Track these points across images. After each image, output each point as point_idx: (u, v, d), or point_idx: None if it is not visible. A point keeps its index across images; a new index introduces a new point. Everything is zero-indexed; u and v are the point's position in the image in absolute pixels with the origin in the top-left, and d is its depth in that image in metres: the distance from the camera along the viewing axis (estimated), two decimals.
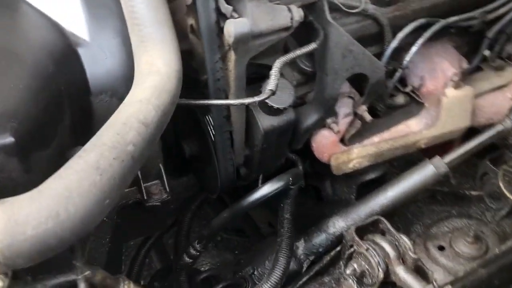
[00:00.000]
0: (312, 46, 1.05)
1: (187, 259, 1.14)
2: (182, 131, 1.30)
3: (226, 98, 1.09)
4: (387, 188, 1.35)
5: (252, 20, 0.94)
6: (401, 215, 1.56)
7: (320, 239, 1.38)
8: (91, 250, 0.91)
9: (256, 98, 0.94)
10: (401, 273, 1.21)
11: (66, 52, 0.85)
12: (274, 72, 0.97)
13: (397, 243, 1.26)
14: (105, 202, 0.62)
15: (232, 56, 1.00)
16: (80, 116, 0.86)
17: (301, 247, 1.40)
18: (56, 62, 0.79)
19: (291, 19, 0.98)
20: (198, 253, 1.14)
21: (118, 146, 0.66)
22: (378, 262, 1.21)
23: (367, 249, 1.23)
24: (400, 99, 1.43)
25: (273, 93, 0.95)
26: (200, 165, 1.34)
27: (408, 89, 1.40)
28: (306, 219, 1.78)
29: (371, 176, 1.56)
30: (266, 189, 1.11)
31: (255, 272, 1.39)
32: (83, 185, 0.60)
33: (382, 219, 1.28)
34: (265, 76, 1.02)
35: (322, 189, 1.67)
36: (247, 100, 0.94)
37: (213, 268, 1.44)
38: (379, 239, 1.25)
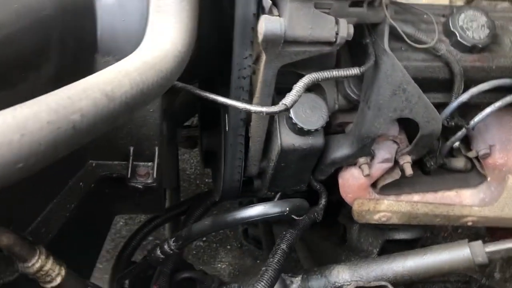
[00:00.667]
0: (354, 71, 0.91)
1: (159, 253, 1.06)
2: (206, 121, 1.22)
3: (250, 101, 0.98)
4: (408, 256, 1.16)
5: (289, 23, 0.82)
6: None
7: (318, 283, 1.23)
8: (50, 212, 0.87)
9: (264, 109, 0.83)
10: None
11: (79, 2, 0.79)
12: (297, 87, 0.85)
13: None
14: (17, 165, 0.55)
15: (263, 57, 0.90)
16: (75, 71, 0.81)
17: (295, 284, 1.26)
18: (58, 8, 0.73)
19: (336, 34, 0.85)
20: (171, 251, 1.05)
21: (61, 111, 0.59)
22: None
23: None
24: (458, 162, 1.22)
25: (286, 108, 0.82)
26: (214, 162, 1.25)
27: (471, 155, 1.19)
28: (322, 255, 1.64)
29: (402, 236, 1.37)
30: (255, 211, 0.99)
31: None
32: None
33: (390, 286, 1.11)
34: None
35: (348, 231, 1.51)
36: (251, 107, 0.83)
37: (201, 271, 1.35)
38: None
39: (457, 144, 1.18)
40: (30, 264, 0.67)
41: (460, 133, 1.12)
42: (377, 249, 1.41)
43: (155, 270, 1.32)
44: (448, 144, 1.15)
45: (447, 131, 1.13)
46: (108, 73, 0.68)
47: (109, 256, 2.39)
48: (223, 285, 1.31)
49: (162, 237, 2.19)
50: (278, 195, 1.28)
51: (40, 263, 0.68)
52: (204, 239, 2.55)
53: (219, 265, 2.48)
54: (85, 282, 0.82)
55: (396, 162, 1.14)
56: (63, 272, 0.73)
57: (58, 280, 0.72)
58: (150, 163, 0.98)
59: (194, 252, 2.50)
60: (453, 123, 1.09)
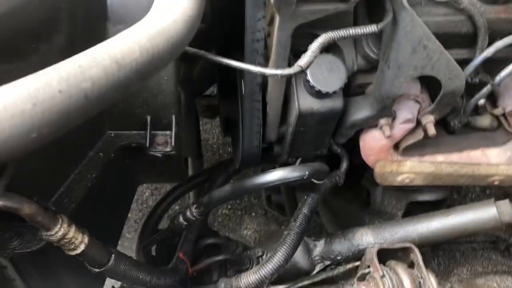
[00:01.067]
0: (371, 28, 0.87)
1: (181, 220, 1.07)
2: (224, 89, 1.21)
3: (266, 65, 0.96)
4: (433, 217, 1.15)
5: None
6: (448, 251, 1.34)
7: (341, 246, 1.24)
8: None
9: (279, 71, 0.81)
10: None
11: None
12: (312, 47, 0.82)
13: (421, 282, 1.08)
14: (31, 135, 0.55)
15: (277, 18, 0.87)
16: (86, 41, 0.80)
17: (319, 247, 1.27)
18: None
19: None
20: (193, 218, 1.06)
21: (71, 80, 0.59)
22: None
23: (382, 276, 1.07)
24: (484, 120, 1.18)
25: (302, 70, 0.80)
26: (234, 130, 1.24)
27: (498, 112, 1.15)
28: (346, 219, 1.63)
29: (426, 197, 1.35)
30: (274, 176, 0.98)
31: (264, 256, 1.29)
32: (8, 110, 0.53)
33: (414, 248, 1.10)
34: None
35: (371, 194, 1.50)
36: (265, 70, 0.81)
37: (225, 237, 1.37)
38: (401, 270, 1.07)
39: (482, 101, 1.13)
40: (53, 233, 0.69)
41: (485, 90, 1.08)
42: (401, 212, 1.39)
43: (181, 237, 1.34)
44: (472, 102, 1.11)
45: (472, 88, 1.09)
46: (117, 41, 0.67)
47: (137, 226, 2.45)
48: (247, 250, 1.33)
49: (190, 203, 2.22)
50: (298, 161, 1.27)
51: (62, 231, 0.69)
52: (229, 207, 2.58)
53: (244, 231, 2.51)
54: (109, 249, 0.84)
55: (418, 122, 1.11)
56: (86, 239, 0.74)
57: (82, 247, 0.74)
58: (168, 132, 0.98)
59: (219, 220, 2.54)
60: (477, 80, 1.05)
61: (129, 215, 2.52)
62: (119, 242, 2.36)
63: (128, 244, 2.38)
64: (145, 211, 2.52)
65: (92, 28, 0.82)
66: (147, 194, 2.61)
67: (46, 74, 0.59)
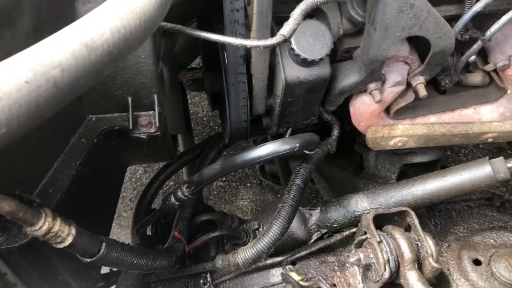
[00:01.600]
0: None
1: (173, 200, 1.05)
2: (209, 62, 1.16)
3: (248, 35, 0.92)
4: (427, 179, 1.14)
5: None
6: (444, 211, 1.33)
7: (337, 214, 1.23)
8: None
9: (261, 42, 0.77)
10: (412, 279, 1.04)
11: None
12: (295, 14, 0.79)
13: (419, 244, 1.07)
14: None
15: None
16: (54, 24, 0.76)
17: (315, 216, 1.26)
18: None
19: None
20: (185, 197, 1.04)
21: (38, 68, 0.55)
22: (388, 260, 1.04)
23: (379, 242, 1.06)
24: (475, 77, 1.16)
25: (285, 39, 0.77)
26: (221, 105, 1.21)
27: (489, 68, 1.12)
28: (340, 185, 1.62)
29: (420, 159, 1.34)
30: (264, 151, 0.96)
31: (260, 229, 1.29)
32: None
33: (410, 211, 1.09)
34: None
35: (364, 159, 1.48)
36: (247, 42, 0.77)
37: (220, 212, 1.35)
38: (398, 234, 1.07)
39: (473, 58, 1.11)
40: (37, 228, 0.66)
41: (476, 46, 1.04)
42: (395, 175, 1.38)
43: (175, 216, 1.33)
44: (463, 59, 1.08)
45: (462, 45, 1.06)
46: (85, 22, 0.63)
47: (132, 205, 2.44)
48: (243, 223, 1.32)
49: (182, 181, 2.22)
50: (289, 131, 1.25)
51: (47, 225, 0.67)
52: (224, 179, 2.57)
53: (241, 202, 2.52)
54: (99, 237, 0.82)
55: (408, 84, 1.08)
56: (73, 231, 0.72)
57: (70, 239, 0.71)
58: (151, 112, 0.95)
59: (215, 192, 2.54)
60: (467, 36, 1.01)
61: (123, 194, 2.51)
62: (116, 221, 2.37)
63: (124, 223, 2.38)
64: (139, 189, 2.51)
65: (60, 9, 0.77)
66: (140, 172, 2.59)
67: (9, 63, 0.56)
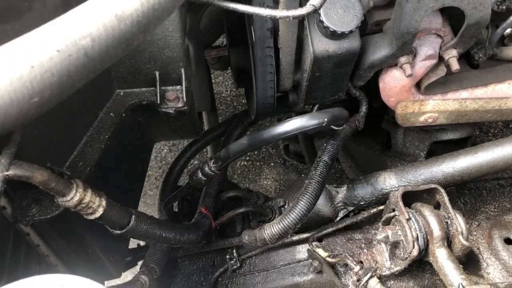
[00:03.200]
0: None
1: (200, 175, 1.06)
2: (234, 38, 1.15)
3: (276, 7, 0.91)
4: (458, 156, 1.11)
5: None
6: (474, 189, 1.30)
7: (364, 191, 1.21)
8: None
9: (290, 13, 0.75)
10: (441, 257, 1.02)
11: None
12: None
13: (448, 222, 1.05)
14: (32, 100, 0.52)
15: None
16: None
17: (341, 194, 1.24)
18: None
19: None
20: (212, 173, 1.04)
21: (69, 38, 0.55)
22: (416, 237, 1.03)
23: (408, 219, 1.05)
24: (511, 51, 1.11)
25: (315, 9, 0.75)
26: (247, 81, 1.20)
27: None
28: (367, 164, 1.60)
29: (451, 136, 1.30)
30: (292, 125, 0.94)
31: (286, 206, 1.28)
32: (5, 75, 0.50)
33: (440, 189, 1.07)
34: None
35: (392, 137, 1.46)
36: (276, 12, 0.75)
37: (246, 189, 1.36)
38: (427, 212, 1.05)
39: (508, 30, 1.06)
40: (69, 198, 0.67)
41: None
42: (424, 152, 1.36)
43: (201, 193, 1.34)
44: (499, 32, 1.04)
45: (497, 17, 1.02)
46: None
47: (158, 183, 2.47)
48: (268, 200, 1.32)
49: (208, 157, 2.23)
50: (316, 107, 1.23)
51: (78, 196, 0.68)
52: (248, 158, 2.57)
53: (264, 182, 2.52)
54: (129, 210, 0.82)
55: (440, 58, 1.04)
56: (103, 202, 0.73)
57: (100, 210, 0.72)
58: (178, 87, 0.94)
59: (239, 171, 2.54)
60: (504, 7, 0.97)
61: (149, 172, 2.53)
62: (142, 199, 2.40)
63: (150, 201, 2.41)
64: (165, 168, 2.53)
65: None
66: (165, 151, 2.61)
67: (41, 32, 0.56)
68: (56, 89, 0.55)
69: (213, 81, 2.74)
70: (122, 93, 0.93)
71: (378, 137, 1.60)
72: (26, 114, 0.53)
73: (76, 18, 0.58)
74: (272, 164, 2.56)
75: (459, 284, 0.80)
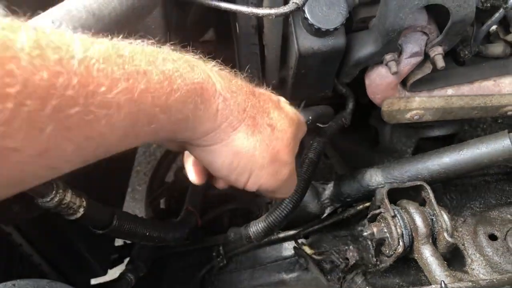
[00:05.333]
0: None
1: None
2: (221, 33, 1.14)
3: (260, 4, 0.90)
4: (444, 153, 1.11)
5: None
6: (460, 185, 1.31)
7: (351, 188, 1.21)
8: None
9: (273, 11, 0.75)
10: (426, 254, 1.03)
11: None
12: None
13: (433, 219, 1.06)
14: None
15: None
16: None
17: (328, 190, 1.25)
18: None
19: None
20: None
21: None
22: (402, 234, 1.03)
23: (393, 216, 1.05)
24: (496, 48, 1.12)
25: (298, 7, 0.74)
26: None
27: (510, 38, 1.08)
28: (355, 160, 1.61)
29: (437, 132, 1.31)
30: None
31: (272, 202, 1.28)
32: None
33: (426, 186, 1.08)
34: None
35: (379, 133, 1.46)
36: (258, 10, 0.75)
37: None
38: (412, 209, 1.05)
39: (494, 27, 1.07)
40: (48, 199, 0.66)
41: (498, 15, 1.00)
42: (411, 149, 1.36)
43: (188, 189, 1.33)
44: (484, 29, 1.04)
45: (482, 14, 1.01)
46: None
47: (147, 179, 2.46)
48: (255, 197, 1.32)
49: None
50: (302, 104, 1.23)
51: (58, 197, 0.67)
52: None
53: None
54: (111, 209, 0.82)
55: (426, 55, 1.04)
56: (84, 203, 0.72)
57: (81, 211, 0.71)
58: None
59: None
60: (488, 4, 0.97)
61: (138, 168, 2.52)
62: (130, 195, 2.39)
63: (139, 196, 2.40)
64: (154, 163, 2.52)
65: None
66: (154, 146, 2.60)
67: None
68: None
69: None
70: None
71: (365, 133, 1.61)
72: None
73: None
74: None
75: (441, 282, 0.80)
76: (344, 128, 1.23)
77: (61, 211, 0.69)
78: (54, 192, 0.66)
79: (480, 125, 2.46)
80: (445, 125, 1.29)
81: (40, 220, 0.85)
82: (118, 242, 1.33)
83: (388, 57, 1.02)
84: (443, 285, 0.80)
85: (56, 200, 0.67)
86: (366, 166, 1.23)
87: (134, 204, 2.37)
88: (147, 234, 0.89)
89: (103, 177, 1.08)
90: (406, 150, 1.36)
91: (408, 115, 1.15)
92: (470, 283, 0.82)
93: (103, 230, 0.80)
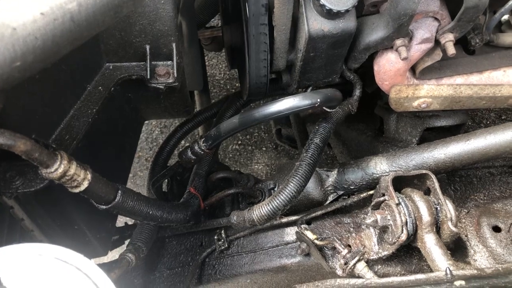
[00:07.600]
0: None
1: (190, 154, 1.04)
2: (228, 14, 1.12)
3: None
4: (450, 142, 1.10)
5: None
6: (465, 177, 1.30)
7: (355, 176, 1.20)
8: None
9: None
10: (429, 242, 1.02)
11: None
12: None
13: (438, 208, 1.05)
14: (13, 64, 0.50)
15: None
16: None
17: (332, 178, 1.24)
18: None
19: None
20: (201, 152, 1.02)
21: (55, 1, 0.53)
22: (405, 222, 1.02)
23: (397, 204, 1.04)
24: (508, 38, 1.10)
25: None
26: (240, 61, 1.17)
27: None
28: (359, 150, 1.60)
29: (444, 122, 1.30)
30: (285, 104, 0.93)
31: (276, 188, 1.27)
32: None
33: (431, 175, 1.07)
34: None
35: (385, 122, 1.45)
36: None
37: (236, 171, 1.34)
38: (417, 197, 1.04)
39: (506, 17, 1.05)
40: (53, 170, 0.65)
41: (511, 3, 0.99)
42: (417, 139, 1.35)
43: (192, 172, 1.32)
44: (496, 17, 1.03)
45: (495, 2, 1.00)
46: None
47: (149, 164, 2.45)
48: (258, 182, 1.31)
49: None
50: (309, 90, 1.21)
51: (63, 167, 0.66)
52: (240, 142, 2.55)
53: (256, 166, 2.51)
54: (115, 185, 0.81)
55: (436, 42, 1.03)
56: (89, 176, 0.71)
57: (85, 184, 0.71)
58: (169, 62, 0.92)
59: (230, 155, 2.53)
60: None
61: (139, 153, 2.51)
62: (132, 180, 2.38)
63: (140, 182, 2.40)
64: (155, 149, 2.51)
65: None
66: (157, 132, 2.59)
67: None
68: (40, 54, 0.53)
69: (206, 63, 2.71)
70: (111, 67, 0.91)
71: (370, 123, 1.59)
72: (8, 79, 0.51)
73: None
74: (264, 148, 2.55)
75: (446, 268, 0.79)
76: (348, 118, 1.22)
77: (65, 183, 0.68)
78: (58, 163, 0.65)
79: (484, 121, 2.45)
80: (451, 115, 1.28)
81: (42, 196, 0.85)
82: (119, 223, 1.32)
83: (398, 42, 1.00)
84: (448, 271, 0.79)
85: (60, 170, 0.66)
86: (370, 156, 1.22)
87: (136, 190, 2.36)
88: (150, 212, 0.89)
89: (107, 158, 1.07)
90: (411, 140, 1.35)
91: (415, 103, 1.14)
92: (476, 271, 0.81)
93: (106, 205, 0.79)
